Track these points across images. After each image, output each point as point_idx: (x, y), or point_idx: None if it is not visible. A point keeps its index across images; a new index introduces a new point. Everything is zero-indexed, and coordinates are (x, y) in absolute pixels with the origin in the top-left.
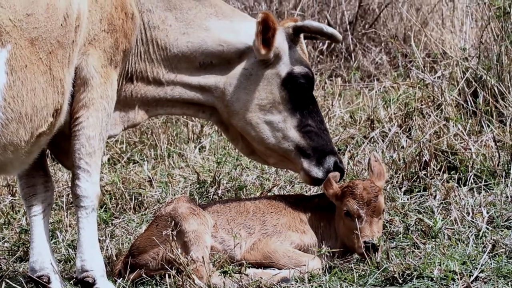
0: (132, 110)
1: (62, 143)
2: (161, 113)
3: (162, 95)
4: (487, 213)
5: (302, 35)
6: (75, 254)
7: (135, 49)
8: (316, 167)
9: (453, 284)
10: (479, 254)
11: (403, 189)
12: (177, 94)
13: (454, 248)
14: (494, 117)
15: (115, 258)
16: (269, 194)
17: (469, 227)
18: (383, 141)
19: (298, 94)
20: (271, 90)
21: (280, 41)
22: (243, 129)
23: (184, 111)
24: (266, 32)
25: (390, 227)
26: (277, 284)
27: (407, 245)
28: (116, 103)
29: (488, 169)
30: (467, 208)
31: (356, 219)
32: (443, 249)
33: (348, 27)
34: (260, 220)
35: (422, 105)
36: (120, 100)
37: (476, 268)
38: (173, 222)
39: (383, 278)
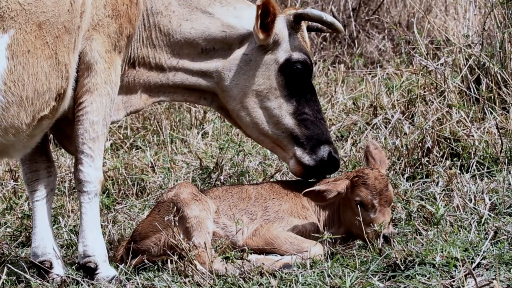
0: (134, 95)
1: (65, 128)
2: (163, 99)
3: (164, 81)
4: (490, 200)
5: (304, 25)
6: (77, 240)
7: (137, 34)
8: (308, 155)
9: (455, 270)
10: (481, 241)
11: (405, 176)
12: (179, 80)
13: (456, 234)
14: (497, 104)
15: (117, 244)
16: (271, 180)
17: (471, 214)
18: (385, 127)
19: (295, 80)
20: (268, 76)
21: (281, 28)
22: (238, 114)
23: (186, 97)
24: (265, 16)
25: (392, 213)
26: (279, 270)
27: (409, 231)
28: (119, 88)
29: (491, 156)
30: (469, 195)
31: (369, 209)
32: (445, 236)
33: (351, 13)
34: (262, 206)
35: (425, 92)
36: (122, 85)
37: (478, 255)
38: (175, 207)
39: (385, 265)
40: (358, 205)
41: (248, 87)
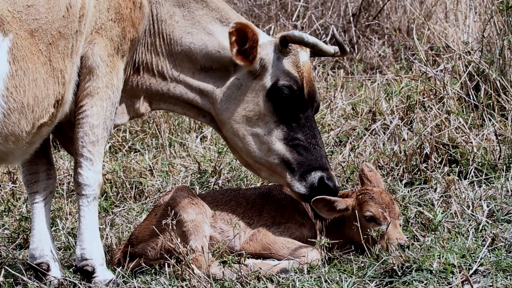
0: (137, 100)
1: (69, 132)
2: (163, 108)
3: (165, 90)
4: (487, 206)
5: (298, 48)
6: (75, 242)
7: (143, 39)
8: (298, 181)
9: (452, 277)
10: (479, 247)
11: (403, 182)
12: (178, 92)
13: (453, 241)
14: (496, 111)
15: (114, 247)
16: (269, 184)
17: (469, 220)
18: (384, 133)
19: (284, 106)
20: (257, 102)
21: (268, 52)
22: (231, 140)
23: (185, 111)
24: (244, 42)
25: None
26: (276, 274)
27: (407, 237)
28: (123, 92)
29: (489, 163)
30: (467, 202)
31: (381, 222)
32: (443, 242)
33: (351, 19)
34: (260, 211)
35: (424, 98)
36: (127, 89)
37: (475, 262)
38: (172, 211)
39: (382, 270)
40: (369, 221)
41: (238, 112)
